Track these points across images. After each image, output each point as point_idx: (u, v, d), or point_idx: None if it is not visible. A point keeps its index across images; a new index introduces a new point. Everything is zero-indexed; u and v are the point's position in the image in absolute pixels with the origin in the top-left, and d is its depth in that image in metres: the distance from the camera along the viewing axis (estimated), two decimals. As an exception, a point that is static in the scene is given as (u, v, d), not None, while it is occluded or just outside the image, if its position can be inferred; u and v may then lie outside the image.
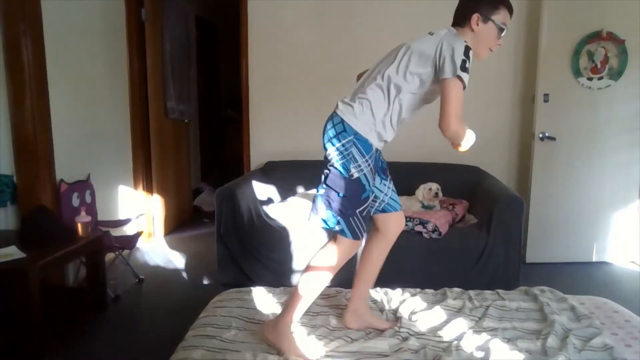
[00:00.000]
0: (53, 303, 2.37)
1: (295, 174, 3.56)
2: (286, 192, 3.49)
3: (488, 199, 2.97)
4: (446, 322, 1.82)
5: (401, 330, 1.74)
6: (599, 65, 3.28)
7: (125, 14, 3.55)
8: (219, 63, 6.41)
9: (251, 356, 1.55)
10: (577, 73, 3.29)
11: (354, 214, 1.60)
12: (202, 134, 5.79)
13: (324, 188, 1.64)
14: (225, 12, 5.46)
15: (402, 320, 1.82)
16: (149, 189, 3.94)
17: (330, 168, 1.62)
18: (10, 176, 2.56)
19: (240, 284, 2.25)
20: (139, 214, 3.76)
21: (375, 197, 1.76)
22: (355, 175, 1.57)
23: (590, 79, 3.29)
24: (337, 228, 1.60)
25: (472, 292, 2.09)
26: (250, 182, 3.25)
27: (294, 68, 3.77)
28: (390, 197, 1.80)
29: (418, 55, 1.56)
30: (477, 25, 1.59)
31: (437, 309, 1.91)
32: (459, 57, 1.47)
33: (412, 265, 2.76)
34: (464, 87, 1.50)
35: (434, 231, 2.80)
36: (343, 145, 1.57)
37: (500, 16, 1.59)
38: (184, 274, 3.24)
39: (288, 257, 2.86)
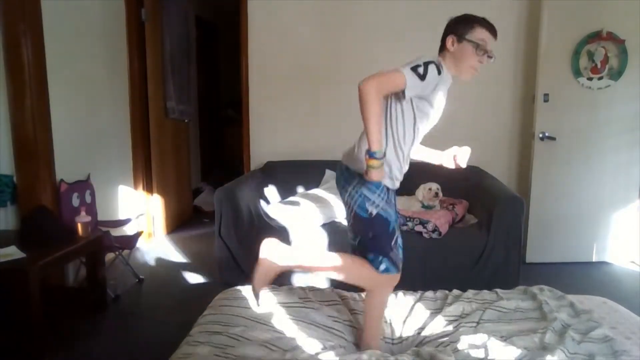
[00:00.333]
0: (53, 303, 2.37)
1: (295, 174, 3.57)
2: (286, 192, 3.49)
3: (488, 199, 2.97)
4: (446, 325, 1.82)
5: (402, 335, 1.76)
6: (599, 65, 3.28)
7: (125, 14, 3.55)
8: (219, 63, 6.41)
9: (257, 353, 1.55)
10: (577, 73, 3.29)
11: (390, 248, 1.64)
12: (202, 134, 5.79)
13: (355, 238, 1.70)
14: (225, 12, 5.46)
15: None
16: (149, 189, 3.94)
17: (352, 215, 1.67)
18: (10, 176, 2.56)
19: (240, 284, 2.25)
20: (139, 214, 3.76)
21: None
22: (374, 212, 1.60)
23: (590, 79, 3.29)
24: (382, 268, 1.64)
25: (470, 292, 2.09)
26: (250, 182, 3.25)
27: (294, 68, 3.77)
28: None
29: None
30: (453, 46, 1.63)
31: (436, 319, 1.90)
32: (416, 61, 1.52)
33: (411, 266, 2.74)
34: (404, 86, 1.49)
35: (434, 231, 2.80)
36: (354, 187, 1.63)
37: (474, 34, 1.61)
38: (184, 274, 3.24)
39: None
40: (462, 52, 1.63)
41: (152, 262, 3.47)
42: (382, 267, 1.63)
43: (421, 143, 1.83)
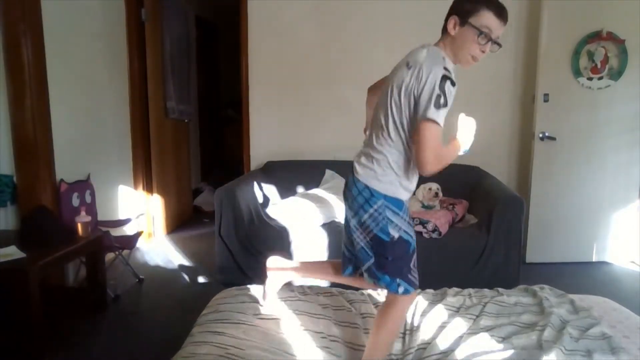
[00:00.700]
0: (53, 303, 2.37)
1: (295, 174, 3.57)
2: (286, 192, 3.49)
3: (488, 199, 2.97)
4: (446, 322, 1.82)
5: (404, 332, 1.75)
6: (599, 65, 3.28)
7: (125, 14, 3.55)
8: (219, 63, 6.41)
9: (259, 352, 1.56)
10: (577, 73, 3.29)
11: (409, 270, 1.56)
12: (202, 134, 5.79)
13: (370, 257, 1.57)
14: (225, 12, 5.46)
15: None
16: (149, 189, 3.94)
17: (370, 235, 1.55)
18: (10, 176, 2.56)
19: (240, 284, 2.25)
20: (139, 214, 3.76)
21: None
22: (397, 235, 1.52)
23: (590, 79, 3.29)
24: (400, 290, 1.54)
25: (471, 290, 2.10)
26: (250, 182, 3.25)
27: (293, 68, 3.77)
28: None
29: (404, 94, 1.47)
30: (454, 29, 1.49)
31: (437, 308, 1.91)
32: (434, 92, 1.39)
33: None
34: (441, 124, 1.41)
35: (434, 231, 2.80)
36: (376, 210, 1.52)
37: (479, 18, 1.46)
38: (184, 274, 3.24)
39: (288, 257, 2.85)
40: (463, 37, 1.48)
41: (152, 262, 3.47)
42: (401, 289, 1.54)
43: None
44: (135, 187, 3.79)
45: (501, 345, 1.62)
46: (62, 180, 2.73)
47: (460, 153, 1.59)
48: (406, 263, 1.56)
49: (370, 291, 2.10)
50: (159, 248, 3.80)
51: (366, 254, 1.57)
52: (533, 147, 3.37)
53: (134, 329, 2.51)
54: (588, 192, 3.40)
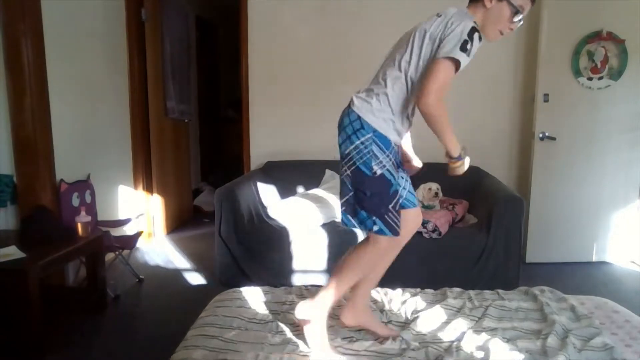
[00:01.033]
0: (53, 303, 2.37)
1: (295, 174, 3.57)
2: (286, 192, 3.49)
3: (488, 199, 2.97)
4: (446, 322, 1.82)
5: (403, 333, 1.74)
6: (599, 65, 3.28)
7: (125, 14, 3.55)
8: (219, 63, 6.41)
9: (253, 356, 1.55)
10: (577, 73, 3.29)
11: (387, 210, 1.54)
12: (202, 134, 5.79)
13: (349, 190, 1.59)
14: (225, 12, 5.46)
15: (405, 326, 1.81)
16: (149, 189, 3.94)
17: (352, 169, 1.56)
18: (10, 176, 2.56)
19: (240, 284, 2.25)
20: (139, 214, 3.76)
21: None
22: (379, 172, 1.52)
23: (590, 79, 3.29)
24: (375, 228, 1.55)
25: (472, 292, 2.09)
26: (250, 182, 3.25)
27: (294, 68, 3.77)
28: (408, 191, 1.74)
29: (429, 39, 1.49)
30: (491, 2, 1.52)
31: (437, 308, 1.91)
32: (462, 36, 1.41)
33: (412, 265, 2.75)
34: (457, 69, 1.43)
35: (434, 231, 2.80)
36: (362, 143, 1.52)
37: None
38: (184, 274, 3.24)
39: (288, 257, 2.87)
40: (498, 12, 1.52)
41: (152, 262, 3.47)
42: (375, 228, 1.54)
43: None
44: (135, 187, 3.79)
45: (506, 346, 1.62)
46: (62, 180, 2.73)
47: (450, 149, 1.55)
48: (385, 202, 1.55)
49: (373, 295, 2.09)
50: (159, 248, 3.80)
51: (347, 187, 1.59)
52: (533, 147, 3.37)
53: (134, 329, 2.51)
54: (588, 192, 3.40)
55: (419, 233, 2.81)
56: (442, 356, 1.56)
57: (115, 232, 3.04)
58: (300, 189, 3.52)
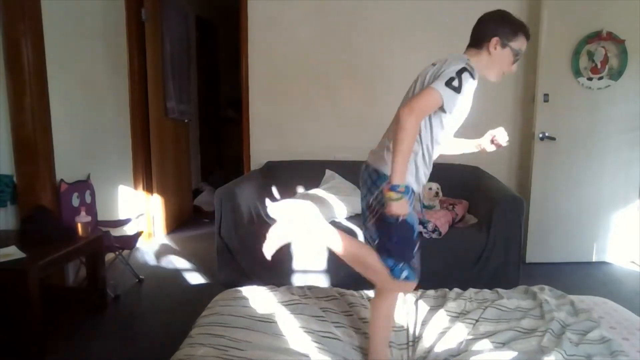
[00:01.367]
0: (53, 303, 2.37)
1: (295, 174, 3.57)
2: (286, 192, 3.49)
3: (488, 199, 2.97)
4: (447, 327, 1.82)
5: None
6: (599, 65, 3.28)
7: (125, 14, 3.55)
8: (219, 63, 6.41)
9: (258, 354, 1.55)
10: (577, 73, 3.29)
11: (412, 255, 1.59)
12: (202, 134, 5.79)
13: (376, 238, 1.62)
14: (225, 12, 5.46)
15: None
16: (149, 189, 3.94)
17: (376, 217, 1.59)
18: (10, 176, 2.56)
19: (240, 284, 2.25)
20: (139, 214, 3.76)
21: None
22: (401, 217, 1.51)
23: (590, 79, 3.29)
24: (403, 275, 1.56)
25: (472, 291, 2.09)
26: (250, 182, 3.25)
27: (294, 68, 3.77)
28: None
29: (427, 83, 1.52)
30: (495, 49, 1.60)
31: (438, 314, 1.91)
32: (448, 74, 1.46)
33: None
34: (442, 105, 1.45)
35: (434, 231, 2.80)
36: (382, 191, 1.54)
37: (517, 43, 1.63)
38: (184, 274, 3.24)
39: (288, 257, 2.86)
40: (501, 56, 1.61)
41: (152, 262, 3.47)
42: (404, 274, 1.56)
43: None
44: (135, 187, 3.79)
45: (501, 351, 1.61)
46: (62, 180, 2.73)
47: (395, 173, 1.44)
48: (410, 248, 1.59)
49: (371, 294, 2.10)
50: (159, 248, 3.80)
51: (374, 235, 1.63)
52: (533, 147, 3.37)
53: (134, 329, 2.51)
54: (588, 192, 3.40)
55: (419, 233, 2.81)
56: None
57: (115, 232, 3.04)
58: (300, 189, 3.52)
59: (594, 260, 3.47)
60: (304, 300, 2.00)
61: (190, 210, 4.85)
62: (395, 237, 1.55)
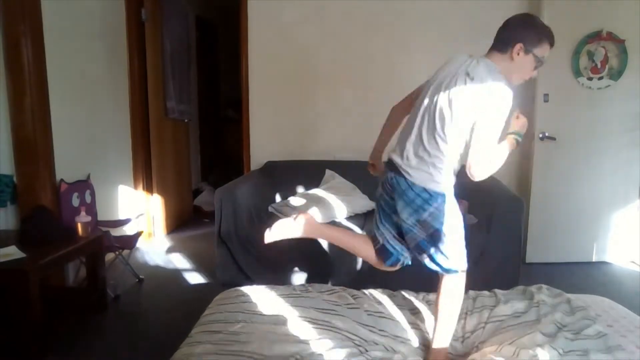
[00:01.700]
0: (53, 303, 2.37)
1: (295, 174, 3.57)
2: (286, 192, 3.48)
3: (488, 199, 2.97)
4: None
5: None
6: (599, 65, 3.28)
7: (125, 14, 3.55)
8: (219, 63, 6.41)
9: (257, 347, 1.56)
10: (577, 73, 3.29)
11: (463, 245, 1.69)
12: (202, 134, 5.79)
13: (429, 248, 1.67)
14: (225, 12, 5.46)
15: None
16: (149, 189, 3.94)
17: (431, 230, 1.64)
18: (10, 176, 2.56)
19: (240, 284, 2.25)
20: (139, 214, 3.76)
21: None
22: (456, 221, 1.67)
23: (590, 78, 3.29)
24: (465, 268, 1.68)
25: (471, 293, 2.09)
26: (250, 182, 3.25)
27: (294, 68, 3.77)
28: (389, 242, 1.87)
29: (463, 109, 1.55)
30: (518, 55, 1.60)
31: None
32: (496, 104, 1.50)
33: (412, 266, 2.75)
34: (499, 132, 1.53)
35: (434, 231, 2.79)
36: (436, 208, 1.63)
37: (541, 50, 1.62)
38: (184, 274, 3.24)
39: (288, 257, 2.86)
40: (524, 63, 1.62)
41: (152, 262, 3.47)
42: (464, 266, 1.67)
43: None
44: (135, 187, 3.79)
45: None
46: (62, 180, 2.73)
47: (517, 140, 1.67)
48: (462, 240, 1.68)
49: (371, 290, 2.09)
50: (159, 248, 3.80)
51: (425, 246, 1.68)
52: (533, 147, 3.37)
53: (134, 329, 2.51)
54: (588, 192, 3.40)
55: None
56: None
57: (115, 232, 3.04)
58: (300, 189, 3.52)
59: (594, 260, 3.47)
60: (305, 294, 2.00)
61: (190, 210, 4.85)
62: (450, 240, 1.64)
